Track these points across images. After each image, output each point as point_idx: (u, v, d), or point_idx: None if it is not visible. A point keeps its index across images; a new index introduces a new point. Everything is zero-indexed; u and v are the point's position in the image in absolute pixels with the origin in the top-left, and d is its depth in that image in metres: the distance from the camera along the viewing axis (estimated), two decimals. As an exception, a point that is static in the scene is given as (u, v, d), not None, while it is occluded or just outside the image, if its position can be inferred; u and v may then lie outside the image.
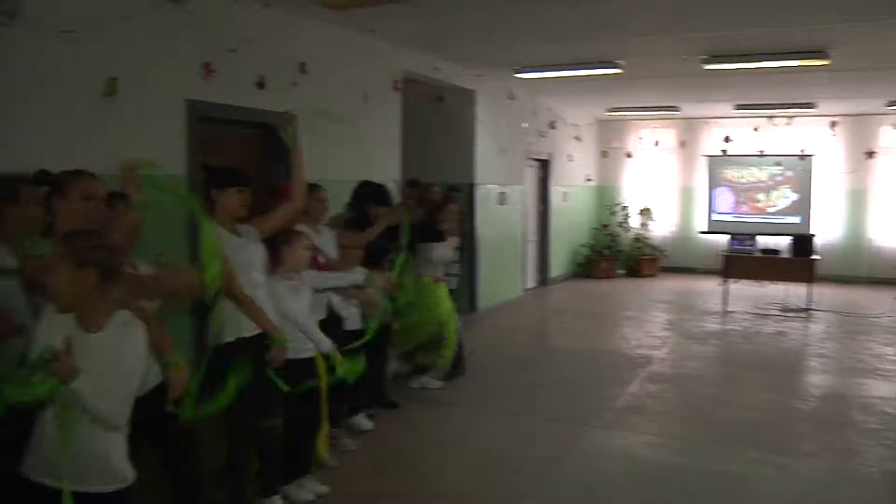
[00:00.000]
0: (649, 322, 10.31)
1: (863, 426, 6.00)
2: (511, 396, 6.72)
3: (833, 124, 13.77)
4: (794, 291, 11.23)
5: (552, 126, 12.93)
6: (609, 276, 14.74)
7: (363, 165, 7.34)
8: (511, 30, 7.57)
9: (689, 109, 13.85)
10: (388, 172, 8.00)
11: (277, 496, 4.22)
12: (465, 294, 9.80)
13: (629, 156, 15.70)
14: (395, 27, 7.33)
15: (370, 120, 7.86)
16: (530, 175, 12.79)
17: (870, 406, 6.51)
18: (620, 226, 15.45)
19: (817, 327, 9.89)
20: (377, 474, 4.87)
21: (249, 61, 6.18)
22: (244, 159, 6.43)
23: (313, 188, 4.95)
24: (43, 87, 4.70)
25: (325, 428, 4.66)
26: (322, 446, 4.73)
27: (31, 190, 3.32)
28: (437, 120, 9.87)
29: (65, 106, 4.83)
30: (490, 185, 10.66)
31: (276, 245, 4.16)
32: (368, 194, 6.07)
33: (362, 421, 5.59)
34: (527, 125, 11.94)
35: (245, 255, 3.94)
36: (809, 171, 13.30)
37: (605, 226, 15.41)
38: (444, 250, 6.71)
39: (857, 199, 14.20)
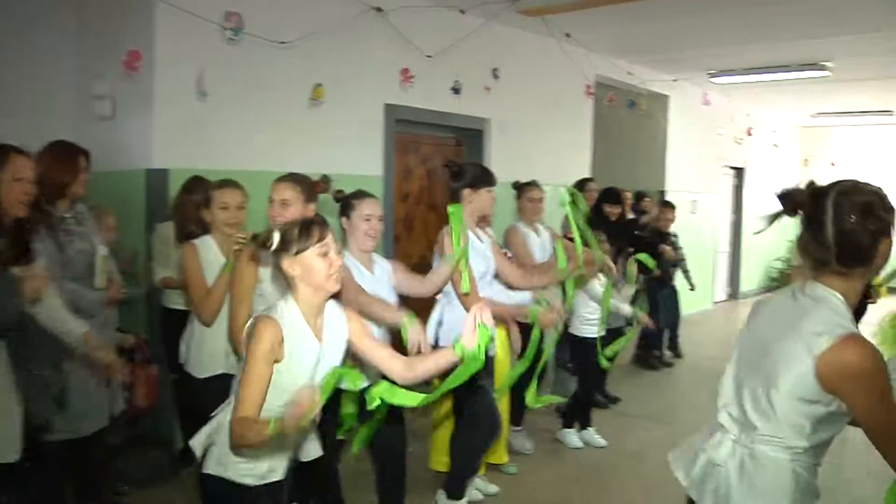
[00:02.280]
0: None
1: None
2: (699, 413, 6.45)
3: None
4: None
5: (749, 133, 12.38)
6: (807, 291, 13.87)
7: (553, 170, 7.35)
8: (709, 32, 7.35)
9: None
10: (577, 178, 7.97)
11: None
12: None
13: (833, 165, 14.71)
14: (590, 32, 7.29)
15: (561, 125, 7.86)
16: (724, 184, 12.31)
17: None
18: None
19: None
20: (555, 482, 4.85)
21: (445, 67, 6.38)
22: (440, 162, 6.65)
23: (526, 186, 5.04)
24: (261, 93, 5.10)
25: (505, 430, 4.70)
26: (500, 448, 4.78)
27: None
28: (628, 126, 9.72)
29: (278, 110, 5.21)
30: (681, 193, 10.35)
31: None
32: (603, 194, 6.51)
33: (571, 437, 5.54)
34: (722, 132, 11.50)
35: (483, 260, 4.01)
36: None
37: (804, 239, 14.52)
38: None
39: None
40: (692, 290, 8.28)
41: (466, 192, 3.91)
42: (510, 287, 4.21)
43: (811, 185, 2.00)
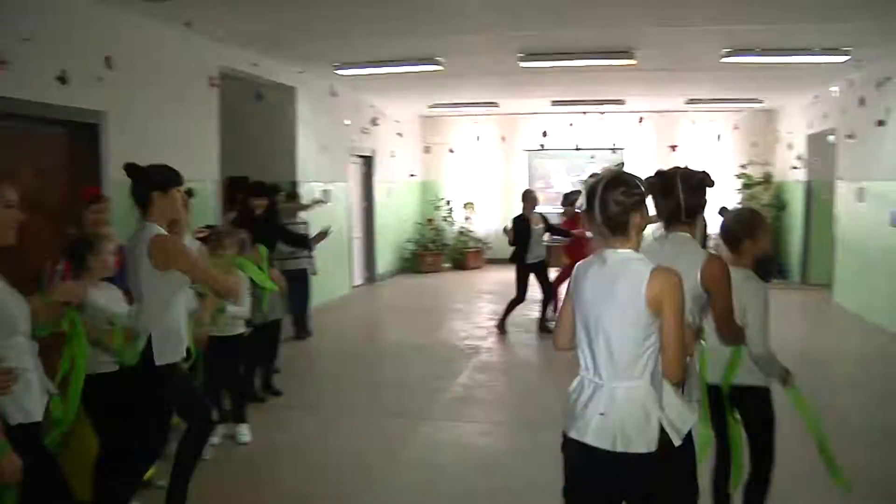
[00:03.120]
0: (476, 313, 10.55)
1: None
2: (346, 395, 6.68)
3: (640, 119, 14.62)
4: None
5: (374, 123, 12.95)
6: (436, 269, 14.97)
7: (180, 164, 6.98)
8: (331, 26, 7.50)
9: (507, 105, 14.28)
10: (205, 171, 7.71)
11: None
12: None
13: (451, 151, 15.96)
14: (212, 21, 7.04)
15: (186, 118, 7.52)
16: (354, 172, 12.76)
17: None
18: (445, 220, 15.73)
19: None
20: (218, 482, 4.67)
21: (48, 54, 5.73)
22: (51, 160, 6.01)
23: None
24: None
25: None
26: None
27: None
28: (257, 117, 9.58)
29: None
30: (313, 183, 10.50)
31: (80, 252, 3.85)
32: (249, 188, 6.65)
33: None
34: (349, 122, 11.88)
35: None
36: (622, 164, 14.17)
37: (430, 220, 15.62)
38: None
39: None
40: (314, 274, 8.41)
41: (156, 194, 3.71)
42: None
43: (661, 171, 3.14)
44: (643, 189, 2.56)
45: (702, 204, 3.12)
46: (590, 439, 2.50)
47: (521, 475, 4.82)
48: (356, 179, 12.94)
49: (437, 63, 9.22)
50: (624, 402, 2.48)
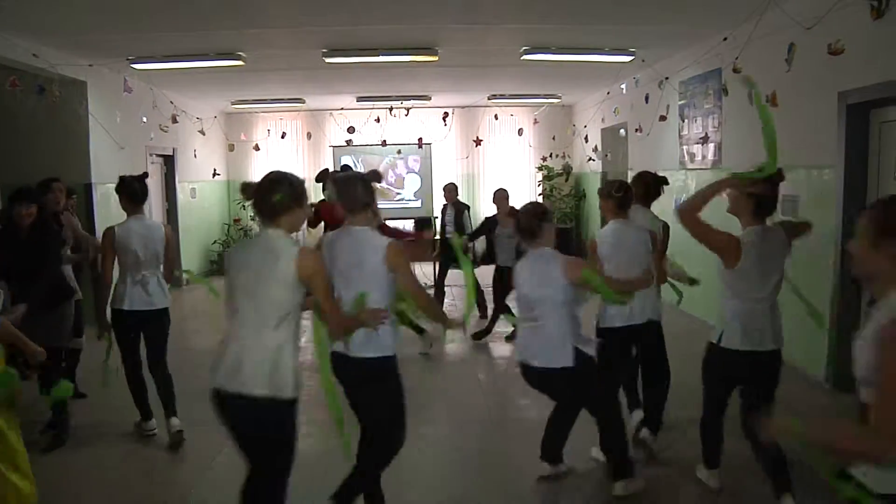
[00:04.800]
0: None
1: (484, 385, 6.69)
2: (155, 406, 6.30)
3: (446, 115, 14.90)
4: (419, 271, 11.87)
5: (175, 120, 12.37)
6: (245, 271, 14.54)
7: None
8: (122, 15, 7.06)
9: (313, 101, 14.13)
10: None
11: None
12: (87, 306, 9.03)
13: (257, 148, 15.56)
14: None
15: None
16: (154, 172, 12.14)
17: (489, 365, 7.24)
18: (252, 220, 15.30)
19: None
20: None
21: None
22: None
23: None
24: None
25: None
26: None
27: None
28: (41, 113, 8.82)
29: None
30: (109, 185, 9.85)
31: None
32: (15, 194, 5.29)
33: None
34: (146, 119, 11.28)
35: None
36: (429, 159, 14.43)
37: (237, 220, 15.18)
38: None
39: (470, 183, 15.65)
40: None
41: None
42: None
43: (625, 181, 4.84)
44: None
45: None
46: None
47: (343, 471, 4.78)
48: (156, 180, 12.33)
49: (238, 58, 8.97)
50: None
